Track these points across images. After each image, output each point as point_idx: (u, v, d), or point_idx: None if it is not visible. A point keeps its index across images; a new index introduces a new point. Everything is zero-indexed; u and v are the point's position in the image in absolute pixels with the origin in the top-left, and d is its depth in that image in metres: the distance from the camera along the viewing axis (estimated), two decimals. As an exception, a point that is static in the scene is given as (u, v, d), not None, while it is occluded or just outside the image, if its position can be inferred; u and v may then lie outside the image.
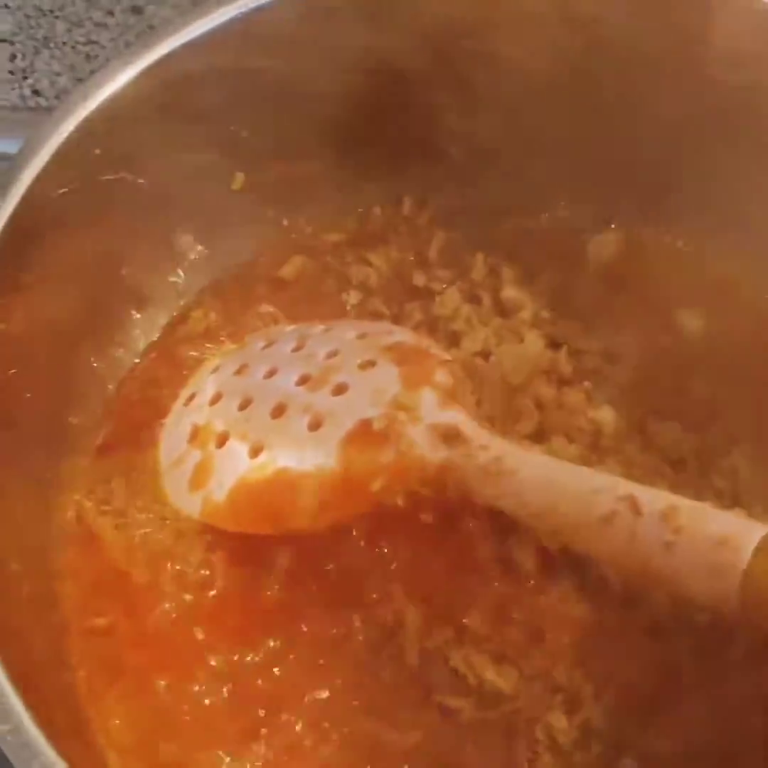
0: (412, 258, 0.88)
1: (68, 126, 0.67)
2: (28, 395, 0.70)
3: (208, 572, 0.73)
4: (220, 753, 0.68)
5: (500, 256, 0.87)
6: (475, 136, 0.85)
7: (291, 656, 0.70)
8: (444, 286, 0.85)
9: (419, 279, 0.86)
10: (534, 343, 0.81)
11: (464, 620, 0.69)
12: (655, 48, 0.76)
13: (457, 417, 0.69)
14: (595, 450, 0.74)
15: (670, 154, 0.81)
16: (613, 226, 0.86)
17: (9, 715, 0.52)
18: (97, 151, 0.69)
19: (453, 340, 0.81)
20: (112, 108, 0.68)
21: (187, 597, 0.73)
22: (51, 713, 0.56)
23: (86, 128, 0.67)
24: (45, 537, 0.72)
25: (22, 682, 0.55)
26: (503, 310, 0.84)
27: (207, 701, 0.69)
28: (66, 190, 0.68)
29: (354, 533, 0.71)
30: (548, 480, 0.65)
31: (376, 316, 0.84)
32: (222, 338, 0.84)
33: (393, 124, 0.83)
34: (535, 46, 0.78)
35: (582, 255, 0.87)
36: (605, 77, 0.78)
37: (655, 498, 0.61)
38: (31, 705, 0.54)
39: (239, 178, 0.81)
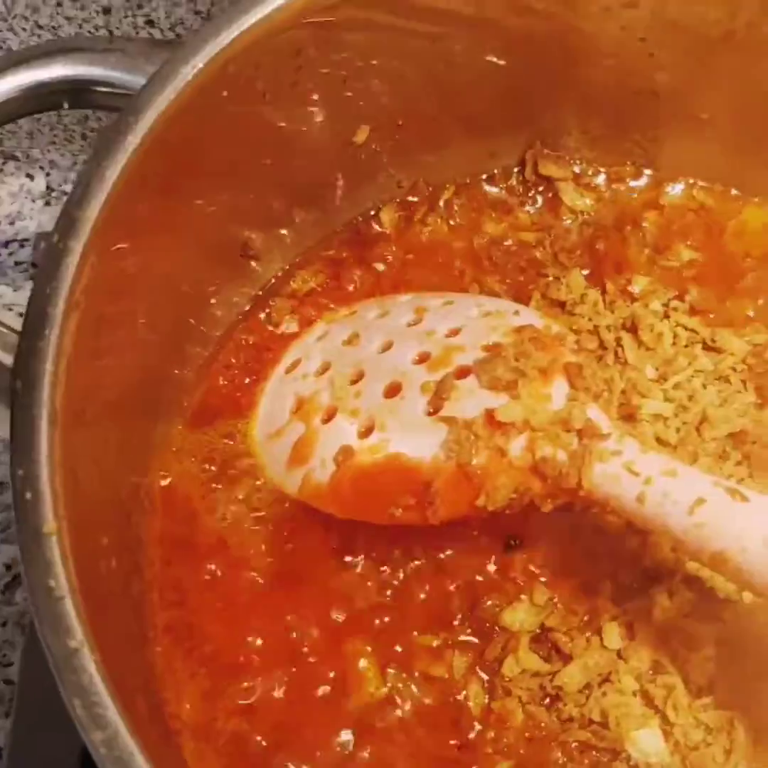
0: (535, 231, 0.82)
1: (197, 63, 0.61)
2: (135, 346, 0.67)
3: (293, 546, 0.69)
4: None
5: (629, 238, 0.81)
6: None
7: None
8: (569, 266, 0.80)
9: (544, 254, 0.81)
10: (667, 335, 0.75)
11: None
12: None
13: (592, 410, 0.63)
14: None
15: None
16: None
17: (106, 724, 0.49)
18: (225, 93, 0.64)
19: (578, 326, 0.76)
20: (242, 47, 0.63)
21: (273, 569, 0.69)
22: (133, 700, 0.54)
23: (215, 67, 0.62)
24: (133, 505, 0.68)
25: (108, 666, 0.51)
26: (631, 296, 0.78)
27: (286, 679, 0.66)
28: (189, 131, 0.62)
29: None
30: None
31: (492, 292, 0.79)
32: (330, 303, 0.78)
33: (528, 89, 0.78)
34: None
35: (716, 230, 0.82)
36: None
37: None
38: (117, 692, 0.50)
39: (364, 131, 0.76)
